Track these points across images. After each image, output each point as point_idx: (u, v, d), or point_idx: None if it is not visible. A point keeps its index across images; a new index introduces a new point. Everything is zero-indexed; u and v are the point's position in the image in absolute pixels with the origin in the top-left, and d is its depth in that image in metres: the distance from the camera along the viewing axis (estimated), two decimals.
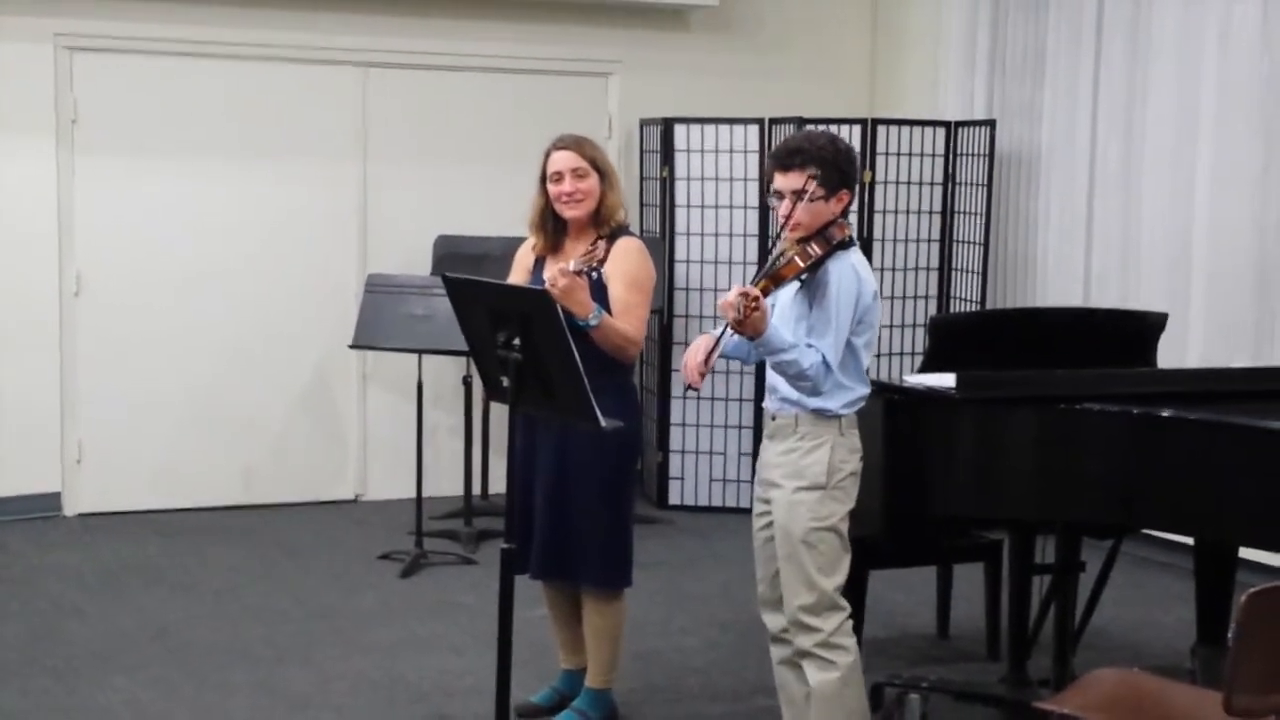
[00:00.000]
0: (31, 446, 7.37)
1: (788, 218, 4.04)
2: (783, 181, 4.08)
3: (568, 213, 4.66)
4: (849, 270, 4.06)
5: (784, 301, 4.14)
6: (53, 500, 7.45)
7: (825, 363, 3.99)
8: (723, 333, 3.95)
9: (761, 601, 4.34)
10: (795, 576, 4.11)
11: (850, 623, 4.18)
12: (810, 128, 6.30)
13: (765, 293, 3.90)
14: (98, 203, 7.41)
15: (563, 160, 4.65)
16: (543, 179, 4.70)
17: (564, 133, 4.77)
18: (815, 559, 4.08)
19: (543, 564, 4.73)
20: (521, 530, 4.68)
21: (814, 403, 4.07)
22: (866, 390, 4.19)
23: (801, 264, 4.01)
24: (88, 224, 7.41)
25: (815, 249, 4.03)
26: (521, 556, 4.65)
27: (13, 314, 7.27)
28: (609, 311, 4.54)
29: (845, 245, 4.08)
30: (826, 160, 4.03)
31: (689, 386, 4.02)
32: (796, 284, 4.08)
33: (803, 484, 4.09)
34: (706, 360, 3.94)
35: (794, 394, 4.09)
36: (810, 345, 4.00)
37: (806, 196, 4.01)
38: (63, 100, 7.31)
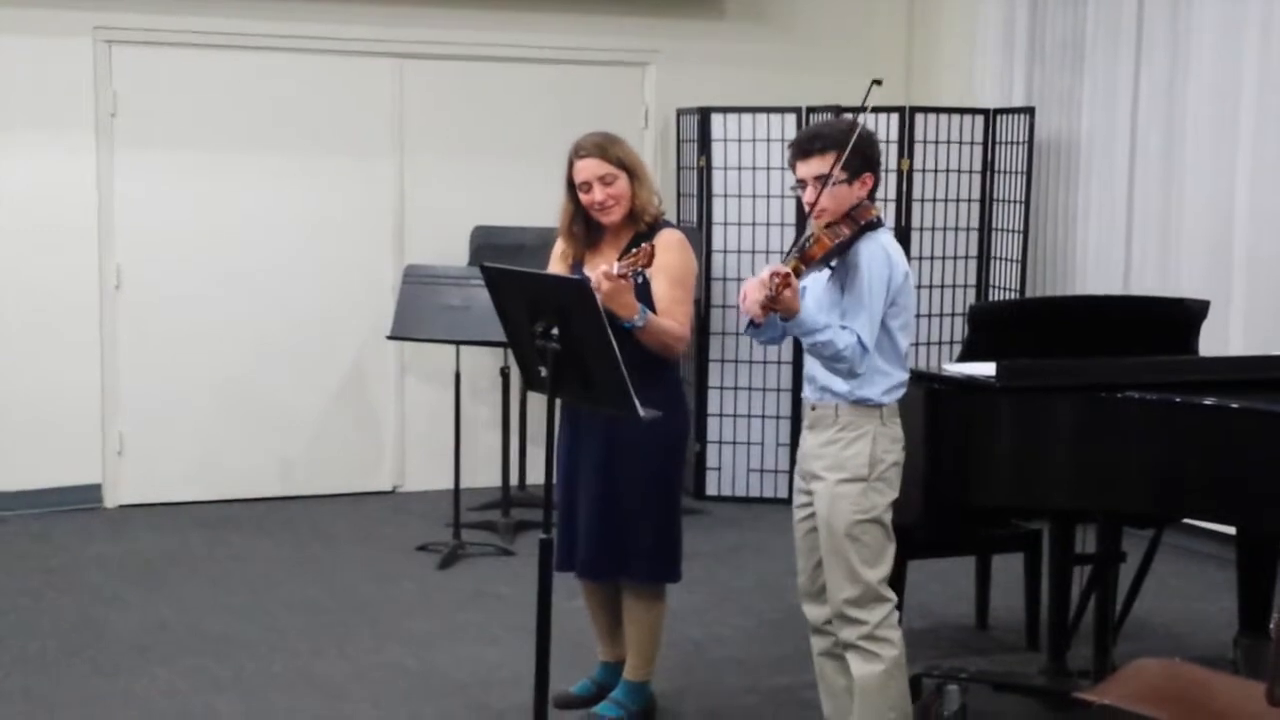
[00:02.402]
0: (73, 438, 7.42)
1: (813, 204, 4.00)
2: (805, 169, 4.05)
3: (604, 220, 4.61)
4: (879, 251, 4.01)
5: (816, 289, 4.08)
6: (94, 492, 7.50)
7: (861, 343, 3.93)
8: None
9: (802, 593, 4.31)
10: (839, 570, 4.08)
11: (896, 615, 4.15)
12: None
13: (795, 273, 3.84)
14: (137, 196, 7.44)
15: (588, 169, 4.56)
16: (569, 185, 4.63)
17: (584, 136, 4.65)
18: (859, 551, 4.05)
19: (590, 564, 4.70)
20: (563, 526, 4.68)
21: (855, 392, 4.03)
22: (905, 375, 4.13)
23: (829, 243, 3.95)
24: (128, 217, 7.44)
25: (843, 230, 3.98)
26: (564, 553, 4.66)
27: (54, 307, 7.32)
28: (652, 308, 4.49)
29: (873, 226, 4.04)
30: (847, 144, 3.97)
31: (751, 323, 3.89)
32: (827, 271, 4.03)
33: (845, 476, 4.05)
34: (765, 299, 3.74)
35: (834, 383, 4.04)
36: (845, 327, 3.94)
37: (830, 181, 3.96)
38: (102, 94, 7.34)
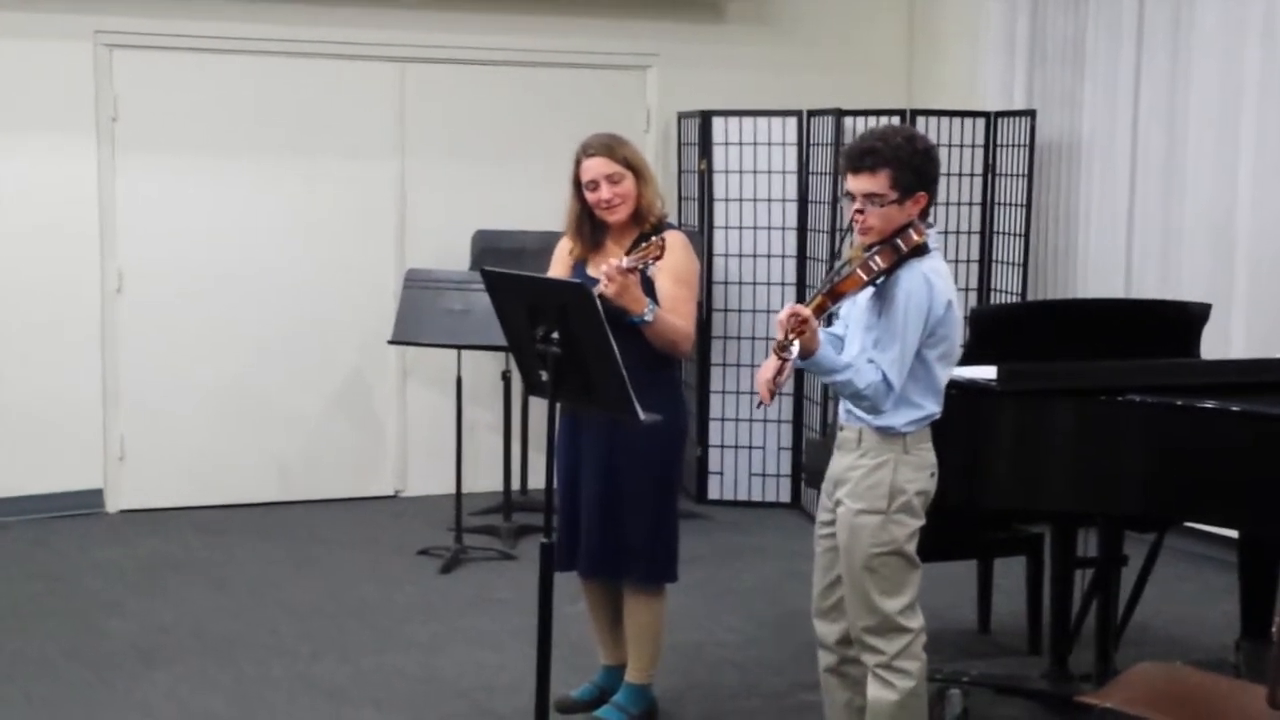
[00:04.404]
0: (74, 443, 7.41)
1: (859, 221, 3.84)
2: (854, 184, 3.84)
3: (610, 218, 4.62)
4: (920, 280, 3.82)
5: (859, 306, 3.95)
6: (95, 497, 7.49)
7: (885, 380, 3.79)
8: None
9: (814, 609, 4.22)
10: (857, 598, 3.99)
11: (920, 641, 4.03)
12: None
13: (821, 309, 3.74)
14: (139, 200, 7.44)
15: (596, 167, 4.59)
16: (576, 184, 4.66)
17: (591, 136, 4.70)
18: (877, 583, 3.95)
19: (593, 563, 4.71)
20: (565, 528, 4.69)
21: (878, 419, 3.89)
22: (937, 410, 3.95)
23: (864, 277, 3.79)
24: (129, 221, 7.44)
25: (879, 262, 3.79)
26: (566, 554, 4.67)
27: (55, 311, 7.31)
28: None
29: (918, 252, 3.83)
30: (902, 161, 3.79)
31: (760, 404, 3.82)
32: (871, 289, 3.86)
33: (863, 507, 3.93)
34: (776, 378, 3.72)
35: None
36: (871, 361, 3.82)
37: (879, 202, 3.80)
38: (103, 98, 7.34)
